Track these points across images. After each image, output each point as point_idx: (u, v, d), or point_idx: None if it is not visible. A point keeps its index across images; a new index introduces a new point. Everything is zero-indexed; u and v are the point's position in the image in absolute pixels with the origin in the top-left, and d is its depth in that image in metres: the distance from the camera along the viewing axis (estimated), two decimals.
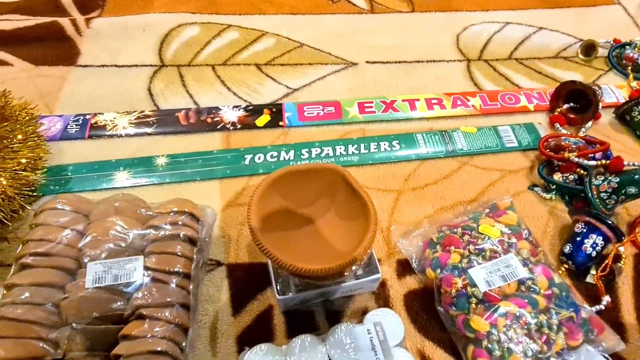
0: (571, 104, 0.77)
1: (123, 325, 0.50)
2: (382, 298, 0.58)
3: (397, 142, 0.73)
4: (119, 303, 0.51)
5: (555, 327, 0.51)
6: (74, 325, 0.49)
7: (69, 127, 0.74)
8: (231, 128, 0.75)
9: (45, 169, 0.68)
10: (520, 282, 0.54)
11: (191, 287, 0.54)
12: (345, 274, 0.50)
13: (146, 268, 0.53)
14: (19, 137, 0.64)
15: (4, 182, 0.61)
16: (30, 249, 0.54)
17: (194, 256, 0.56)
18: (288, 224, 0.53)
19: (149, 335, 0.48)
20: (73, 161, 0.70)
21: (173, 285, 0.52)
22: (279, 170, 0.53)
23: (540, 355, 0.50)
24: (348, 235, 0.51)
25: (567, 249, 0.59)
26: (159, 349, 0.48)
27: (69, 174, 0.68)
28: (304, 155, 0.71)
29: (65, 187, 0.67)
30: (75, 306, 0.50)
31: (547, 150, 0.69)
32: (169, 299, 0.51)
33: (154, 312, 0.50)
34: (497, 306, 0.52)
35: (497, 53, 0.88)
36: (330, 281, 0.52)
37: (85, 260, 0.53)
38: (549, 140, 0.70)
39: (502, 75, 0.84)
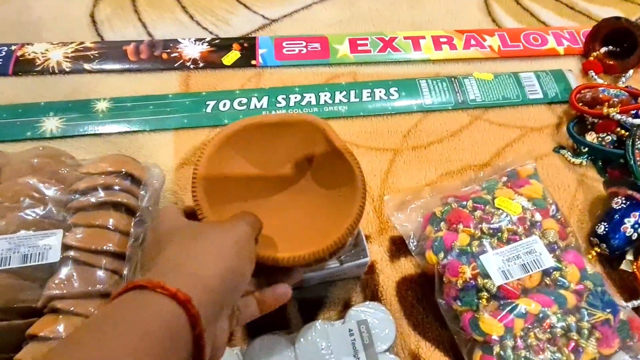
0: (610, 47, 0.63)
1: (34, 320, 0.39)
2: (369, 286, 0.47)
3: (396, 89, 0.59)
4: (28, 291, 0.40)
5: (586, 331, 0.41)
6: None
7: None
8: (192, 67, 0.60)
9: None
10: (545, 274, 0.42)
11: (126, 271, 0.42)
12: (325, 262, 0.39)
13: (66, 246, 0.41)
14: None
15: None
16: None
17: (132, 230, 0.44)
18: (249, 193, 0.41)
19: (63, 337, 0.37)
20: None
21: (100, 271, 0.41)
22: (239, 122, 0.40)
23: None
24: (328, 210, 0.39)
25: (602, 229, 0.48)
26: None
27: None
28: (280, 102, 0.58)
29: None
30: None
31: (581, 104, 0.56)
32: (93, 288, 0.40)
33: (72, 304, 0.39)
34: (514, 304, 0.41)
35: None
36: (304, 269, 0.41)
37: None
38: (583, 91, 0.57)
39: (526, 10, 0.70)
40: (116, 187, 0.45)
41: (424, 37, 0.65)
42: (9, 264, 0.40)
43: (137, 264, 0.44)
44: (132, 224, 0.44)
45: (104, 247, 0.42)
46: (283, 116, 0.41)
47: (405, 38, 0.64)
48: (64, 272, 0.40)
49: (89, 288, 0.40)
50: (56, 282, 0.39)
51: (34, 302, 0.39)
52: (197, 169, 0.37)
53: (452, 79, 0.61)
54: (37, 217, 0.43)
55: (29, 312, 0.40)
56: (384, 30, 0.65)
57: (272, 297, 0.34)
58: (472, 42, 0.65)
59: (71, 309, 0.38)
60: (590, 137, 0.55)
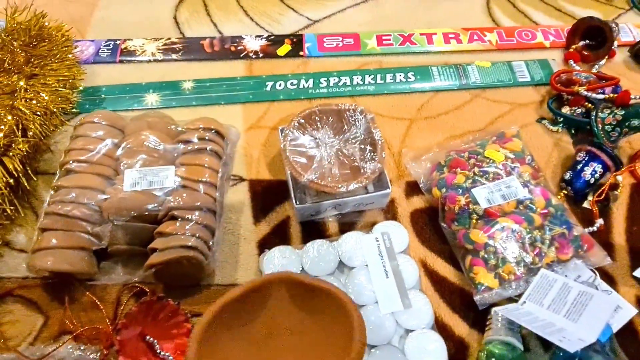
0: (587, 42, 0.78)
1: (157, 225, 0.56)
2: (390, 214, 0.63)
3: (413, 73, 0.76)
4: (153, 205, 0.57)
5: (547, 241, 0.56)
6: (114, 221, 0.56)
7: (100, 51, 0.78)
8: (253, 57, 0.78)
9: (81, 88, 0.72)
10: (519, 202, 0.58)
11: (217, 195, 0.59)
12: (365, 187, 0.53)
13: (177, 176, 0.58)
14: (57, 56, 0.69)
15: (46, 98, 0.66)
16: (73, 157, 0.60)
17: (220, 169, 0.61)
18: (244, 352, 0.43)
19: (180, 233, 0.54)
20: (105, 83, 0.75)
21: (201, 192, 0.58)
22: (213, 305, 0.41)
23: (531, 266, 0.55)
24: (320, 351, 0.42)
25: (568, 175, 0.63)
26: (189, 244, 0.54)
27: (103, 94, 0.73)
28: (322, 83, 0.74)
29: (99, 107, 0.72)
30: (116, 205, 0.56)
31: (558, 85, 0.71)
32: (197, 203, 0.57)
33: (185, 213, 0.56)
34: (495, 221, 0.56)
35: None
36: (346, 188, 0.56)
37: (123, 168, 0.59)
38: (561, 75, 0.72)
39: (521, 12, 0.85)
40: (207, 138, 0.62)
41: (436, 34, 0.81)
42: (140, 187, 0.58)
43: (223, 193, 0.62)
44: (220, 165, 0.61)
45: (202, 178, 0.59)
46: (247, 285, 0.43)
47: (421, 34, 0.81)
48: (177, 193, 0.58)
49: (194, 203, 0.57)
50: (172, 198, 0.57)
51: (156, 212, 0.57)
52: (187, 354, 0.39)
53: (458, 66, 0.77)
54: (155, 157, 0.60)
55: (152, 220, 0.57)
56: (404, 28, 0.82)
57: None
58: (475, 37, 0.80)
59: (184, 215, 0.56)
60: (565, 110, 0.70)
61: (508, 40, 0.80)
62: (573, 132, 0.70)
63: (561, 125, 0.70)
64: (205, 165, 0.60)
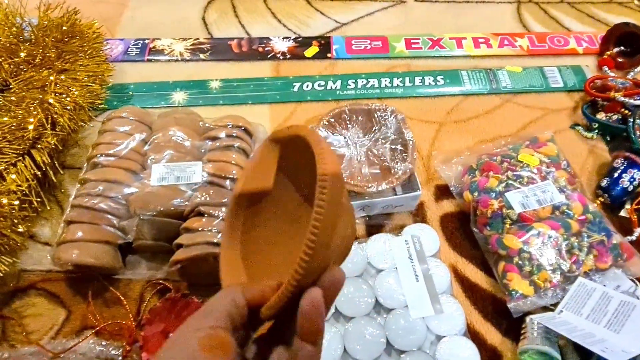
0: (622, 48, 0.76)
1: (183, 221, 0.56)
2: (419, 217, 0.61)
3: (442, 77, 0.75)
4: (180, 200, 0.56)
5: (585, 249, 0.54)
6: (141, 216, 0.55)
7: (129, 50, 0.79)
8: (281, 57, 0.78)
9: (110, 85, 0.73)
10: (555, 207, 0.56)
11: None
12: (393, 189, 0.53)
13: (204, 172, 0.58)
14: (88, 52, 0.69)
15: (76, 92, 0.66)
16: (101, 150, 0.59)
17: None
18: (272, 237, 0.39)
19: (207, 229, 0.53)
20: (133, 81, 0.75)
21: (228, 189, 0.57)
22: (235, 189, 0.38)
23: (568, 274, 0.53)
24: None
25: (605, 182, 0.61)
26: (215, 240, 0.53)
27: (131, 92, 0.74)
28: (350, 85, 0.74)
29: (127, 104, 0.72)
30: (142, 199, 0.56)
31: (593, 91, 0.69)
32: (225, 200, 0.56)
33: (211, 209, 0.55)
34: (530, 226, 0.54)
35: None
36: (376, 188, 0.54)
37: (150, 162, 0.59)
38: (596, 80, 0.71)
39: (552, 18, 0.84)
40: (235, 135, 0.62)
41: (465, 38, 0.80)
42: (167, 182, 0.57)
43: None
44: (246, 161, 0.61)
45: (229, 175, 0.58)
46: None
47: (450, 38, 0.80)
48: (204, 189, 0.57)
49: (221, 200, 0.56)
50: (199, 194, 0.56)
51: (183, 208, 0.56)
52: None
53: (488, 71, 0.75)
54: (182, 152, 0.60)
55: (179, 215, 0.57)
56: (433, 32, 0.81)
57: (331, 283, 0.29)
58: (506, 42, 0.79)
59: (210, 211, 0.55)
60: (600, 116, 0.68)
61: (540, 45, 0.79)
62: (608, 138, 0.68)
63: (596, 131, 0.68)
64: (233, 162, 0.59)
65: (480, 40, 0.79)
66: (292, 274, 0.27)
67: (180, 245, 0.53)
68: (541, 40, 0.79)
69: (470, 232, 0.59)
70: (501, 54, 0.78)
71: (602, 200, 0.61)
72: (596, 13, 0.85)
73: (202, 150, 0.61)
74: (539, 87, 0.73)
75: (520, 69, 0.75)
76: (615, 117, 0.67)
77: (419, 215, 0.61)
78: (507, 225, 0.56)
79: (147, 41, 0.80)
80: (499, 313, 0.54)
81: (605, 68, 0.74)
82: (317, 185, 0.28)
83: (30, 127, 0.60)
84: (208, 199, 0.56)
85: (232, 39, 0.80)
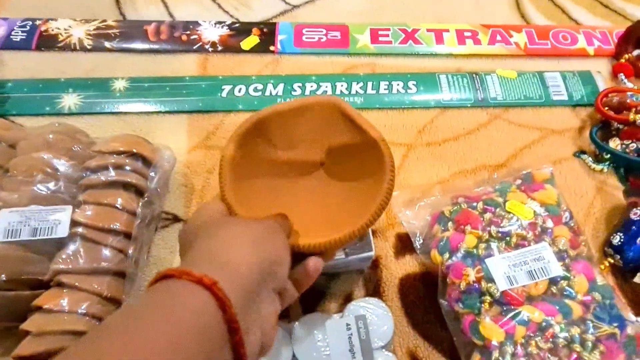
0: None
1: (40, 292, 0.40)
2: (371, 281, 0.46)
3: (414, 83, 0.58)
4: (36, 265, 0.41)
5: (590, 344, 0.39)
6: None
7: (13, 33, 0.61)
8: (210, 49, 0.60)
9: None
10: (552, 282, 0.41)
11: (131, 250, 0.43)
12: (344, 249, 0.39)
13: (75, 222, 0.42)
14: None
15: None
16: None
17: (139, 210, 0.44)
18: (276, 179, 0.41)
19: (67, 310, 0.38)
20: (14, 76, 0.58)
21: (106, 249, 0.41)
22: (260, 112, 0.39)
23: None
24: (355, 193, 0.39)
25: (617, 239, 0.46)
26: (79, 329, 0.37)
27: (6, 92, 0.56)
28: (295, 90, 0.57)
29: (1, 108, 0.55)
30: None
31: (606, 109, 0.54)
32: (102, 264, 0.40)
33: (77, 280, 0.40)
34: (517, 311, 0.40)
35: None
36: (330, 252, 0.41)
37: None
38: (611, 95, 0.55)
39: (558, 7, 0.67)
40: (127, 167, 0.45)
41: (447, 30, 0.63)
42: (19, 237, 0.41)
43: (143, 245, 0.45)
44: (139, 205, 0.45)
45: (111, 226, 0.42)
46: (301, 101, 0.40)
47: (428, 30, 0.63)
48: (71, 247, 0.41)
49: (95, 265, 0.40)
50: (63, 257, 0.40)
51: (40, 275, 0.41)
52: (224, 153, 0.37)
53: (474, 75, 0.59)
54: (49, 192, 0.44)
55: (36, 284, 0.41)
56: (407, 22, 0.64)
57: (305, 274, 0.33)
58: (498, 37, 0.62)
59: (76, 284, 0.39)
60: (614, 144, 0.53)
61: (540, 43, 0.62)
62: (623, 173, 0.53)
63: (607, 163, 0.53)
64: (119, 207, 0.43)
65: (467, 33, 0.63)
66: (362, 225, 0.34)
67: (28, 332, 0.38)
68: (542, 37, 0.63)
69: (437, 304, 0.44)
70: (492, 53, 0.62)
71: (612, 261, 0.47)
72: (611, 1, 0.68)
73: (76, 190, 0.44)
74: (537, 99, 0.58)
75: (515, 74, 0.59)
76: (633, 146, 0.52)
77: (371, 278, 0.46)
78: (486, 305, 0.41)
79: (37, 22, 0.62)
80: None
81: (622, 76, 0.59)
82: (382, 148, 0.36)
83: None
84: (74, 264, 0.40)
85: (150, 22, 0.62)
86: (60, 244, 0.42)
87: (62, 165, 0.45)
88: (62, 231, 0.41)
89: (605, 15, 0.67)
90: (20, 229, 0.41)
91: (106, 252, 0.41)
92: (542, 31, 0.63)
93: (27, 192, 0.43)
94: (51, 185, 0.44)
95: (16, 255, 0.40)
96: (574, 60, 0.62)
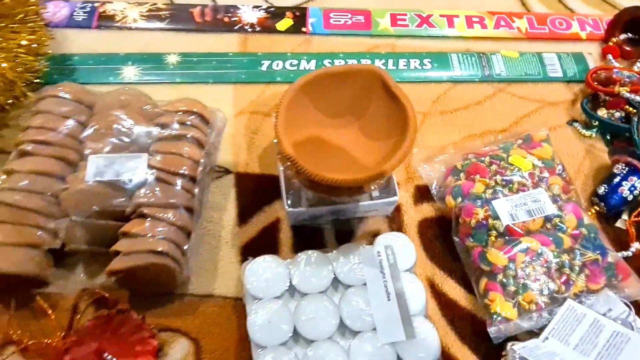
0: (629, 35, 0.68)
1: (124, 223, 0.48)
2: (395, 223, 0.55)
3: (429, 60, 0.67)
4: (120, 199, 0.49)
5: (577, 268, 0.48)
6: (73, 217, 0.47)
7: (75, 14, 0.69)
8: (249, 30, 0.69)
9: (48, 56, 0.63)
10: (547, 219, 0.50)
11: (196, 190, 0.51)
12: (373, 187, 0.48)
13: (150, 167, 0.50)
14: (20, 16, 0.59)
15: (5, 65, 0.56)
16: (30, 136, 0.51)
17: (201, 160, 0.52)
18: (316, 132, 0.49)
19: (149, 235, 0.46)
20: (79, 51, 0.66)
21: (178, 187, 0.49)
22: (312, 73, 0.48)
23: (556, 295, 0.47)
24: (381, 147, 0.48)
25: (602, 189, 0.55)
26: (159, 249, 0.46)
27: (74, 64, 0.64)
28: (325, 66, 0.65)
29: (69, 78, 0.63)
30: (75, 198, 0.48)
31: (595, 84, 0.62)
32: (172, 200, 0.48)
33: (156, 212, 0.47)
34: (518, 241, 0.48)
35: None
36: (347, 198, 0.49)
37: (87, 153, 0.50)
38: (599, 72, 0.63)
39: None
40: (189, 123, 0.53)
41: (457, 16, 0.71)
42: (105, 177, 0.49)
43: (204, 188, 0.53)
44: (202, 155, 0.53)
45: (180, 170, 0.50)
46: (345, 67, 0.49)
47: (441, 16, 0.71)
48: (148, 187, 0.49)
49: (169, 200, 0.48)
50: (143, 193, 0.48)
51: (123, 208, 0.49)
52: (279, 107, 0.46)
53: (481, 55, 0.68)
54: (126, 142, 0.52)
55: (118, 216, 0.49)
56: (422, 7, 0.72)
57: None
58: (502, 23, 0.71)
59: (155, 214, 0.47)
60: (601, 113, 0.61)
61: (539, 28, 0.71)
62: (609, 138, 0.61)
63: (595, 130, 0.61)
64: (185, 155, 0.51)
65: (475, 19, 0.71)
66: (386, 168, 0.42)
67: (117, 253, 0.46)
68: (541, 22, 0.71)
69: (451, 241, 0.53)
70: (496, 36, 0.70)
71: (598, 209, 0.55)
72: None
73: (149, 140, 0.52)
74: (535, 75, 0.66)
75: (517, 54, 0.68)
76: (617, 114, 0.60)
77: (395, 220, 0.55)
78: (493, 238, 0.50)
79: (96, 4, 0.70)
80: (478, 335, 0.49)
81: (610, 57, 0.67)
82: (409, 113, 0.45)
83: None
84: (153, 199, 0.48)
85: (195, 5, 0.70)
86: (137, 184, 0.50)
87: (135, 121, 0.53)
88: (141, 173, 0.50)
89: (597, 4, 0.75)
90: (106, 171, 0.49)
91: (176, 191, 0.50)
92: (540, 18, 0.72)
93: (108, 142, 0.51)
94: (126, 138, 0.52)
95: (103, 191, 0.48)
96: (569, 44, 0.70)
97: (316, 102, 0.49)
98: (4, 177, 0.50)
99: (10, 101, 0.58)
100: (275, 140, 0.47)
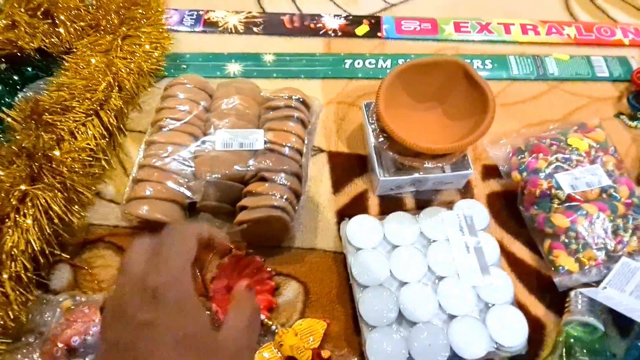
0: None
1: (244, 185, 0.58)
2: (468, 195, 0.64)
3: (490, 61, 0.76)
4: (243, 165, 0.59)
5: (630, 230, 0.56)
6: (207, 178, 0.58)
7: (184, 20, 0.81)
8: (332, 35, 0.80)
9: (167, 53, 0.75)
10: (603, 190, 0.58)
11: (303, 160, 0.61)
12: (453, 159, 0.57)
13: (266, 140, 0.60)
14: (150, 19, 0.71)
15: (139, 57, 0.68)
16: (166, 115, 0.62)
17: (305, 136, 0.63)
18: (406, 113, 0.60)
19: (270, 193, 0.56)
20: (189, 50, 0.77)
21: (286, 157, 0.60)
22: (405, 63, 0.59)
23: (612, 254, 0.55)
24: (462, 125, 0.58)
25: None
26: (277, 204, 0.55)
27: (186, 61, 0.76)
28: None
29: (183, 72, 0.74)
30: (208, 162, 0.58)
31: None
32: (285, 167, 0.59)
33: (273, 175, 0.58)
34: (579, 207, 0.57)
35: None
36: (432, 163, 0.58)
37: (214, 128, 0.61)
38: None
39: (599, 9, 0.85)
40: (293, 106, 0.64)
41: (513, 24, 0.81)
42: (231, 147, 0.60)
43: (308, 160, 0.64)
44: (305, 132, 0.63)
45: (289, 144, 0.61)
46: (433, 59, 0.60)
47: (498, 24, 0.81)
48: (265, 156, 0.59)
49: (282, 167, 0.59)
50: (262, 160, 0.59)
51: (244, 173, 0.59)
52: (379, 90, 0.57)
53: (535, 57, 0.77)
54: (245, 121, 0.62)
55: (240, 180, 0.59)
56: (482, 17, 0.82)
57: None
58: (553, 30, 0.80)
59: (273, 177, 0.58)
60: None
61: (587, 35, 0.80)
62: None
63: None
64: (292, 131, 0.62)
65: (528, 27, 0.81)
66: (466, 142, 0.54)
67: (244, 208, 0.56)
68: (588, 30, 0.81)
69: (516, 211, 0.61)
70: (548, 41, 0.79)
71: None
72: None
73: (262, 120, 0.63)
74: (585, 75, 0.75)
75: (568, 56, 0.77)
76: None
77: (467, 192, 0.64)
78: (555, 205, 0.58)
79: (201, 12, 0.82)
80: (543, 288, 0.57)
81: None
82: (490, 99, 0.55)
83: (100, 88, 0.63)
84: (270, 165, 0.58)
85: (284, 14, 0.82)
86: (255, 154, 0.60)
87: (249, 104, 0.64)
88: (259, 145, 0.60)
89: (638, 15, 0.84)
90: (232, 143, 0.60)
91: (287, 160, 0.60)
92: (587, 26, 0.81)
93: (231, 120, 0.62)
94: (245, 117, 0.63)
95: (231, 158, 0.59)
96: (613, 49, 0.79)
97: (407, 88, 0.59)
98: (145, 147, 0.61)
99: (141, 89, 0.70)
100: (366, 120, 0.57)
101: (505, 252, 0.59)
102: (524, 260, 0.59)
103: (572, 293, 0.54)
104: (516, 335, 0.51)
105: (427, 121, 0.60)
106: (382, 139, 0.58)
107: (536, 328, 0.54)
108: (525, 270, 0.58)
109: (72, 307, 0.49)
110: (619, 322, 0.54)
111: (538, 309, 0.56)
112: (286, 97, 0.64)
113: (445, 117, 0.60)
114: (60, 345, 0.46)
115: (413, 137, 0.55)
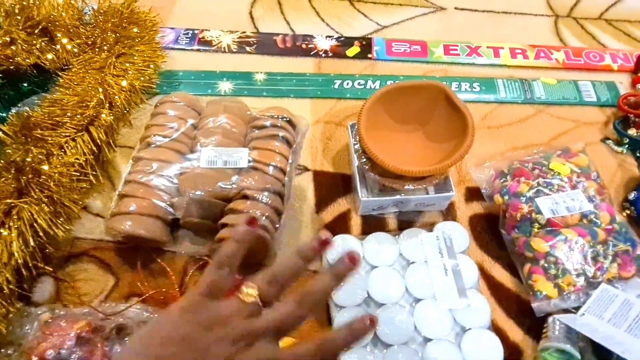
0: None
1: (227, 203, 0.59)
2: (449, 217, 0.64)
3: (478, 84, 0.77)
4: (226, 183, 0.60)
5: (610, 257, 0.56)
6: (190, 195, 0.59)
7: (179, 38, 0.83)
8: (323, 55, 0.81)
9: (161, 71, 0.77)
10: (583, 215, 0.58)
11: (286, 179, 0.62)
12: (435, 181, 0.58)
13: (250, 158, 0.61)
14: (145, 38, 0.73)
15: (132, 75, 0.70)
16: (154, 132, 0.63)
17: (289, 155, 0.63)
18: (388, 135, 0.61)
19: (251, 211, 0.57)
20: (182, 68, 0.79)
21: (269, 176, 0.60)
22: (387, 86, 0.60)
23: (592, 280, 0.55)
24: (442, 148, 0.59)
25: (632, 195, 0.63)
26: (259, 223, 0.56)
27: (179, 78, 0.77)
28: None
29: (176, 89, 0.76)
30: (192, 179, 0.59)
31: (626, 107, 0.71)
32: (267, 185, 0.59)
33: (255, 193, 0.58)
34: (558, 232, 0.57)
35: (588, 12, 0.89)
36: (412, 185, 0.58)
37: (200, 146, 0.62)
38: (629, 97, 0.72)
39: (589, 34, 0.86)
40: (279, 125, 0.65)
41: (502, 48, 0.82)
42: (215, 165, 0.61)
43: (291, 179, 0.64)
44: (290, 152, 0.64)
45: (272, 162, 0.62)
46: (414, 82, 0.61)
47: (487, 47, 0.82)
48: (248, 174, 0.60)
49: (265, 185, 0.59)
50: (245, 179, 0.60)
51: (227, 191, 0.60)
52: (365, 105, 0.59)
53: (523, 81, 0.78)
54: (230, 139, 0.64)
55: (223, 197, 0.60)
56: (471, 40, 0.84)
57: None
58: (542, 54, 0.81)
59: (254, 196, 0.58)
60: (631, 132, 0.70)
61: (575, 60, 0.81)
62: (638, 154, 0.70)
63: (626, 146, 0.70)
64: (277, 150, 0.62)
65: (517, 50, 0.82)
66: (446, 165, 0.55)
67: (225, 225, 0.57)
68: (577, 55, 0.81)
69: (497, 233, 0.61)
70: (537, 65, 0.80)
71: (629, 212, 0.63)
72: (632, 31, 0.86)
73: (248, 138, 0.64)
74: (572, 100, 0.76)
75: (555, 81, 0.78)
76: None
77: (449, 214, 0.64)
78: (535, 229, 0.58)
79: (196, 31, 0.84)
80: (522, 312, 0.57)
81: (639, 86, 0.76)
82: (469, 122, 0.57)
83: (91, 104, 0.64)
84: (253, 183, 0.59)
85: (277, 34, 0.84)
86: (240, 172, 0.61)
87: (236, 122, 0.65)
88: (243, 163, 0.61)
89: (627, 41, 0.85)
90: (216, 161, 0.61)
91: (270, 178, 0.61)
92: (576, 51, 0.82)
93: (217, 138, 0.63)
94: (231, 135, 0.64)
95: (215, 175, 0.60)
96: (602, 74, 0.80)
97: (389, 110, 0.60)
98: (133, 163, 0.62)
99: (132, 106, 0.71)
100: (351, 141, 0.58)
101: (486, 276, 0.59)
102: (504, 284, 0.59)
103: (550, 319, 0.53)
104: None
105: (409, 143, 0.61)
106: (364, 159, 0.59)
107: (514, 353, 0.54)
108: (504, 295, 0.58)
109: (49, 321, 0.50)
110: (598, 349, 0.53)
111: (516, 334, 0.55)
112: (273, 117, 0.65)
113: (426, 140, 0.61)
114: (34, 358, 0.46)
115: (394, 159, 0.56)
